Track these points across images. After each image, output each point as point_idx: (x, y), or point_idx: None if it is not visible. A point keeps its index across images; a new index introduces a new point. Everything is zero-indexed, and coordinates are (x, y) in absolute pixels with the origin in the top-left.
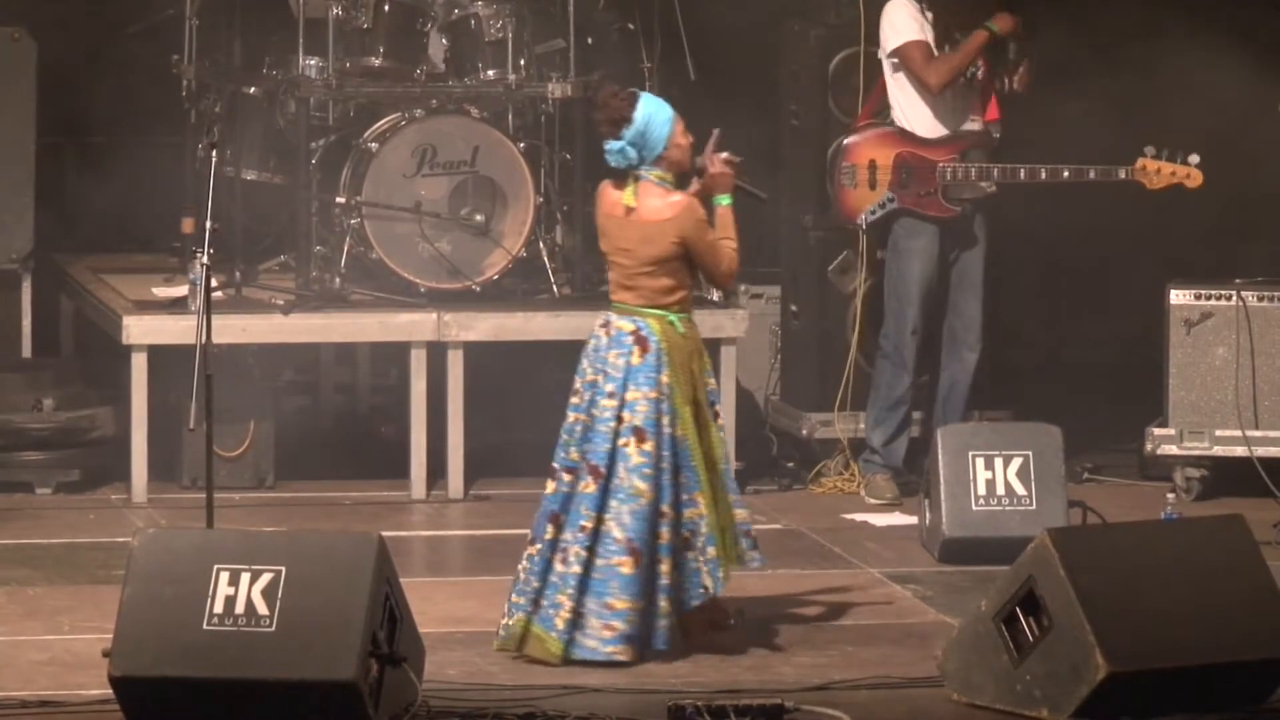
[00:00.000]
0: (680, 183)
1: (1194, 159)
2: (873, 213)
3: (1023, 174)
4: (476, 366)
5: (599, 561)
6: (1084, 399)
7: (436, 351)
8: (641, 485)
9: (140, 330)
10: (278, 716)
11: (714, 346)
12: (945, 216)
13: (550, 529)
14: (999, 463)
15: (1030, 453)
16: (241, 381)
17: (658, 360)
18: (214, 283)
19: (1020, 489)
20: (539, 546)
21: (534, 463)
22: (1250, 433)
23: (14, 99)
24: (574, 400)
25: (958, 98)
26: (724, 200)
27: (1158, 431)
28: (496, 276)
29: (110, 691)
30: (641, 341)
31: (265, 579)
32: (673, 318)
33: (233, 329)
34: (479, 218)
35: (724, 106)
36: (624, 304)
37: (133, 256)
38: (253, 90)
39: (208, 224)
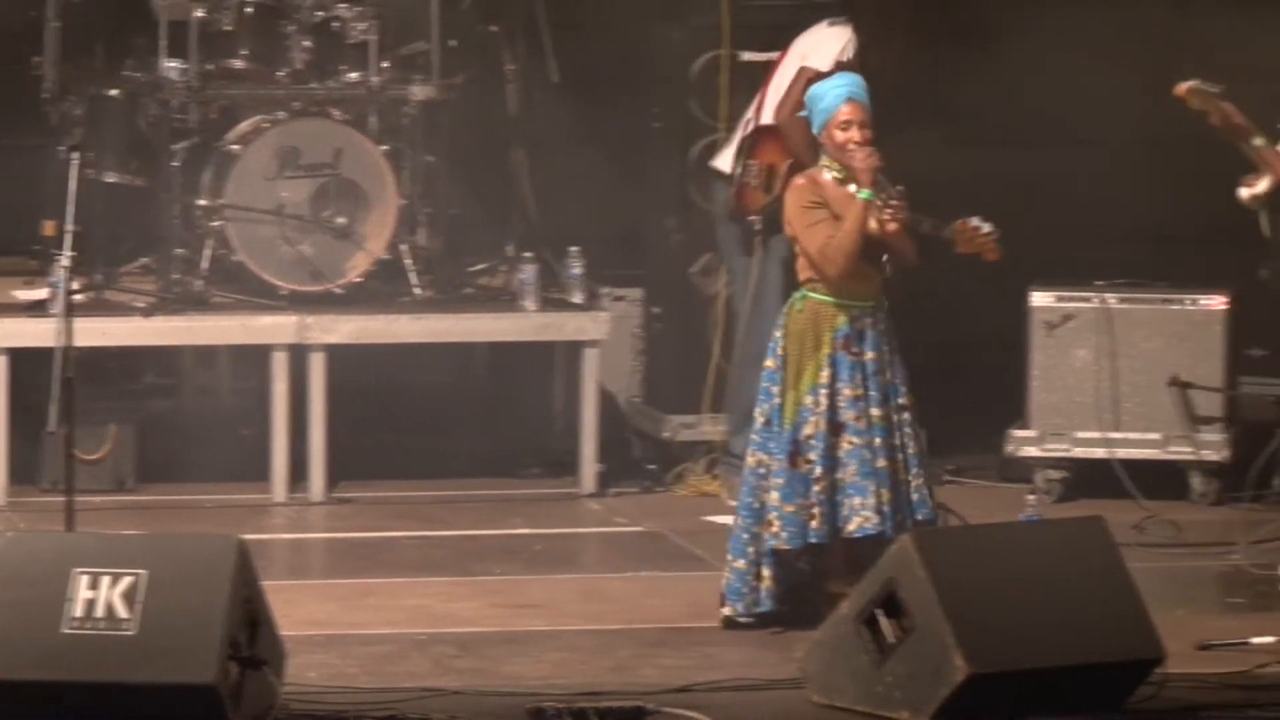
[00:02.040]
0: (854, 177)
1: (987, 228)
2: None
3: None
4: (339, 369)
5: None
6: (944, 400)
7: (299, 354)
8: (754, 450)
9: (0, 333)
10: None
11: (575, 349)
12: None
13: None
14: None
15: None
16: (102, 384)
17: (780, 334)
18: (75, 285)
19: None
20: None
21: (396, 465)
22: (1111, 435)
23: None
24: None
25: None
26: (862, 194)
27: (1018, 433)
28: (358, 279)
29: None
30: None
31: (126, 582)
32: (796, 294)
33: (93, 332)
34: (341, 220)
35: (588, 109)
36: None
37: None
38: (114, 92)
39: (69, 227)
